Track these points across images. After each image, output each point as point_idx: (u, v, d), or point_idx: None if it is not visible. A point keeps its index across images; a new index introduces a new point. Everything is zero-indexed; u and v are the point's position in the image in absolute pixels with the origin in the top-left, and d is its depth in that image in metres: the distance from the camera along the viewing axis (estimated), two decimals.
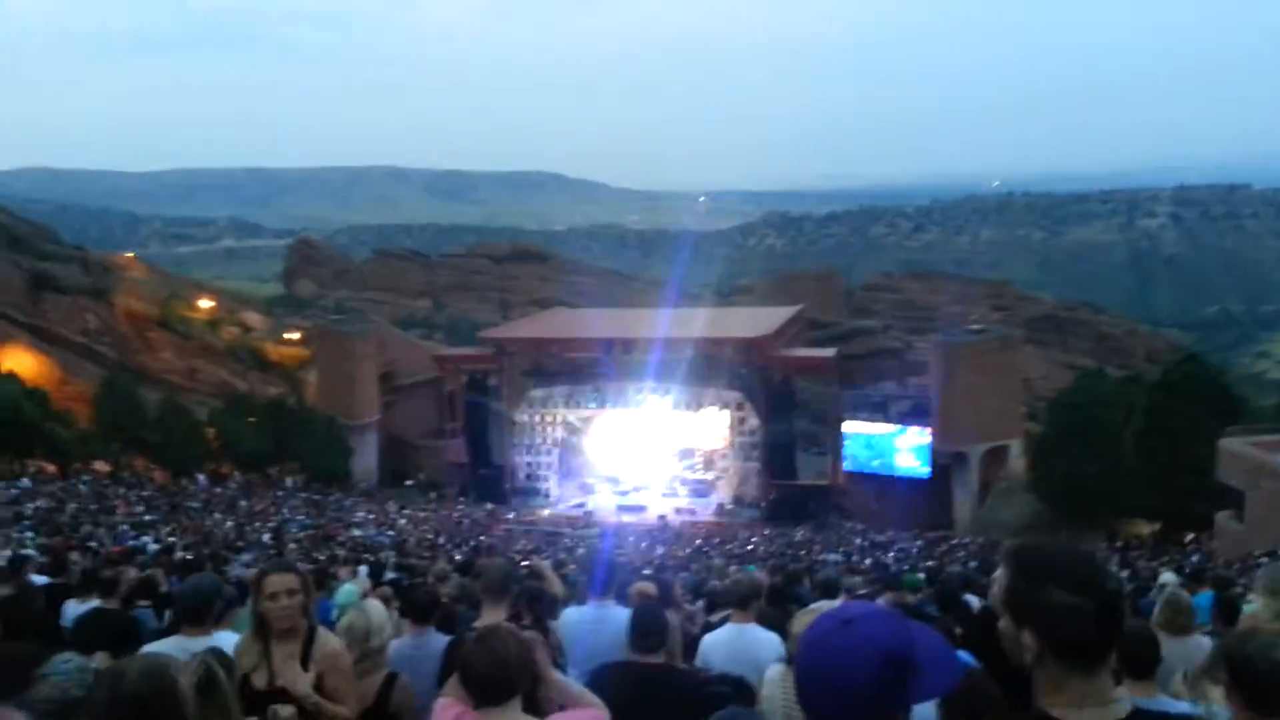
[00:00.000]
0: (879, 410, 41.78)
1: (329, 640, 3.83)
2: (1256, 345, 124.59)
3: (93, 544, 14.69)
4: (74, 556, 11.61)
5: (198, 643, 4.00)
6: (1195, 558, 19.38)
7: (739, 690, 4.06)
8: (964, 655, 4.17)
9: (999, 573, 1.77)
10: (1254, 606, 6.36)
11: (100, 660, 4.78)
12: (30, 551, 11.49)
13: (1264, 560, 15.91)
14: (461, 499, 41.89)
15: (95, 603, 6.91)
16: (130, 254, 76.72)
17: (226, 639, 4.24)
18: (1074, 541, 1.81)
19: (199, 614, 4.18)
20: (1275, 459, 24.28)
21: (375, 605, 4.80)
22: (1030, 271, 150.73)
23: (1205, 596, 7.09)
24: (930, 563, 20.76)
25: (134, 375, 43.33)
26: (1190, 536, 26.37)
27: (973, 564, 18.28)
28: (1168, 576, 10.26)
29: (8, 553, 11.70)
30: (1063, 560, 1.69)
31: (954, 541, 29.33)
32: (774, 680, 4.24)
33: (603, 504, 41.36)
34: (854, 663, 1.53)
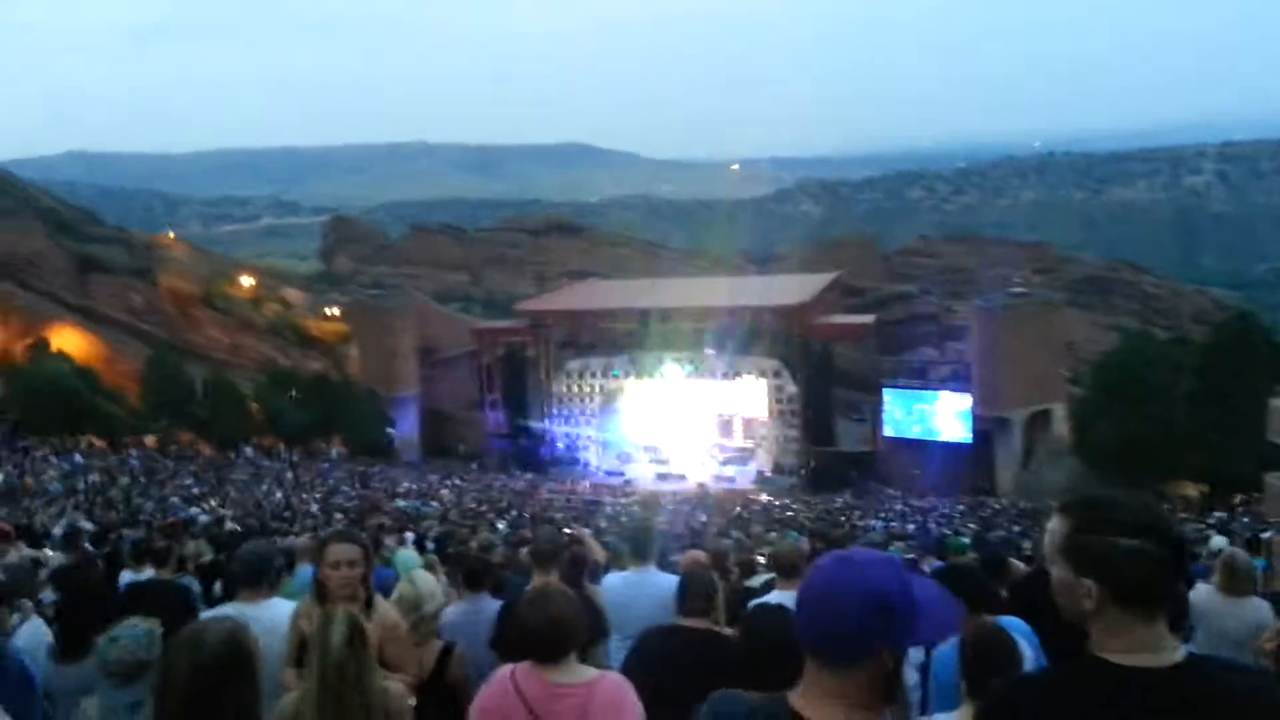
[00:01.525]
0: (918, 376, 41.46)
1: (387, 610, 3.87)
2: None
3: (143, 517, 15.01)
4: (125, 531, 11.88)
5: (258, 608, 4.06)
6: (1246, 519, 19.02)
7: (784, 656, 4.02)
8: (1010, 620, 4.07)
9: (1053, 523, 1.76)
10: None
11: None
12: (86, 524, 11.75)
13: None
14: (503, 470, 42.28)
15: (149, 573, 7.06)
16: (171, 234, 77.80)
17: (282, 606, 4.32)
18: (1122, 489, 1.85)
19: (257, 578, 4.26)
20: None
21: (423, 574, 4.87)
22: (1072, 233, 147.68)
23: (1259, 562, 6.96)
24: (973, 526, 20.63)
25: (180, 352, 44.11)
26: (1239, 498, 25.90)
27: (1016, 529, 18.12)
28: (1218, 541, 10.03)
29: (64, 524, 12.00)
30: (1124, 508, 1.68)
31: (997, 507, 29.08)
32: None
33: (641, 473, 41.55)
34: (843, 597, 1.64)
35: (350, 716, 2.61)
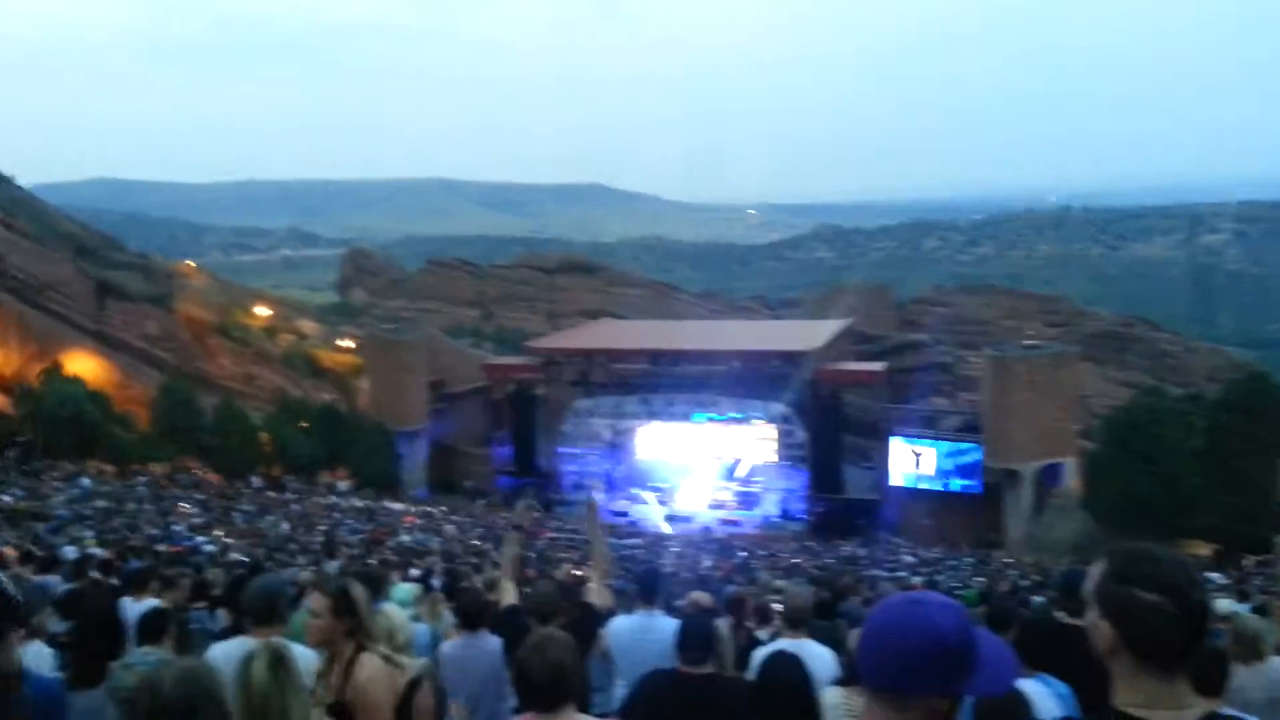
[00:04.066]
0: (928, 425, 41.29)
1: (364, 668, 3.72)
2: None
3: (154, 545, 15.07)
4: (132, 559, 11.94)
5: None
6: (1258, 581, 18.81)
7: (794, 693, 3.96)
8: (1050, 680, 3.99)
9: (1094, 566, 1.84)
10: None
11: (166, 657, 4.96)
12: (97, 550, 11.82)
13: None
14: (508, 507, 42.17)
15: (154, 601, 7.10)
16: (191, 262, 78.64)
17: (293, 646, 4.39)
18: (1169, 547, 1.95)
19: (267, 614, 4.27)
20: None
21: (392, 607, 4.94)
22: (1087, 287, 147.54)
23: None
24: (980, 579, 20.45)
25: (192, 380, 44.33)
26: (1253, 559, 25.64)
27: (1024, 583, 17.96)
28: (1224, 604, 9.85)
29: (73, 551, 12.06)
30: (1154, 563, 1.75)
31: (1006, 560, 28.81)
32: (837, 705, 4.20)
33: (648, 514, 41.39)
34: (905, 634, 1.68)
35: None
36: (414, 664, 4.00)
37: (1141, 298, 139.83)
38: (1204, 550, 30.69)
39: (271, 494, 33.16)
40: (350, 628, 3.73)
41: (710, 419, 42.73)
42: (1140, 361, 71.16)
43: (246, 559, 14.23)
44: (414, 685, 4.24)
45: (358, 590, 3.86)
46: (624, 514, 41.54)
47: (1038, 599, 13.48)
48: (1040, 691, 3.73)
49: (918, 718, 1.69)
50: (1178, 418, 33.60)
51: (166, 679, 2.17)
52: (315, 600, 3.80)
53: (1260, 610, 10.82)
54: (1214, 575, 19.02)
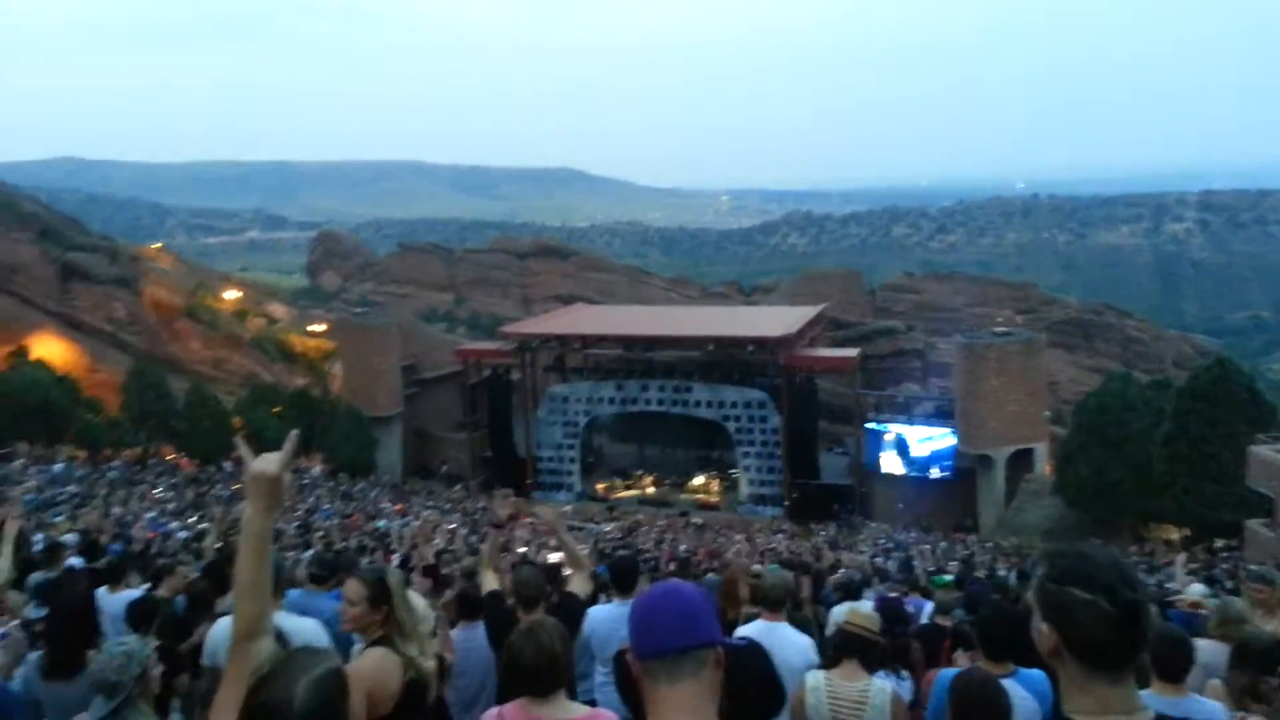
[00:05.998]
0: (902, 411, 41.62)
1: (358, 660, 3.52)
2: None
3: (128, 531, 14.83)
4: (105, 540, 11.74)
5: (280, 617, 4.06)
6: (1226, 565, 19.12)
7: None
8: (1032, 673, 3.97)
9: (1036, 571, 1.85)
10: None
11: (151, 643, 4.84)
12: (68, 537, 11.59)
13: None
14: (485, 492, 42.00)
15: (132, 592, 6.90)
16: (157, 245, 77.33)
17: (295, 619, 4.42)
18: (1107, 547, 1.97)
19: (274, 585, 4.31)
20: None
21: (415, 595, 4.83)
22: (1055, 274, 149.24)
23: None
24: (954, 563, 20.65)
25: (162, 364, 43.72)
26: (1221, 543, 26.06)
27: (1003, 570, 18.10)
28: (1196, 589, 9.96)
29: (42, 537, 11.82)
30: (1089, 562, 1.75)
31: (988, 545, 29.11)
32: (818, 688, 4.20)
33: (625, 498, 41.45)
34: (680, 590, 1.87)
35: None
36: (429, 665, 3.77)
37: (1108, 285, 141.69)
38: (1174, 535, 31.18)
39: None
40: (384, 617, 3.63)
41: (684, 404, 42.66)
42: (1108, 348, 72.02)
43: (221, 545, 14.01)
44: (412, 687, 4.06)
45: (394, 580, 3.74)
46: (602, 499, 41.58)
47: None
48: (1016, 691, 3.65)
49: (690, 685, 1.76)
50: (1146, 404, 34.00)
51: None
52: (351, 588, 3.70)
53: (1234, 593, 11.00)
54: (1177, 562, 19.29)
